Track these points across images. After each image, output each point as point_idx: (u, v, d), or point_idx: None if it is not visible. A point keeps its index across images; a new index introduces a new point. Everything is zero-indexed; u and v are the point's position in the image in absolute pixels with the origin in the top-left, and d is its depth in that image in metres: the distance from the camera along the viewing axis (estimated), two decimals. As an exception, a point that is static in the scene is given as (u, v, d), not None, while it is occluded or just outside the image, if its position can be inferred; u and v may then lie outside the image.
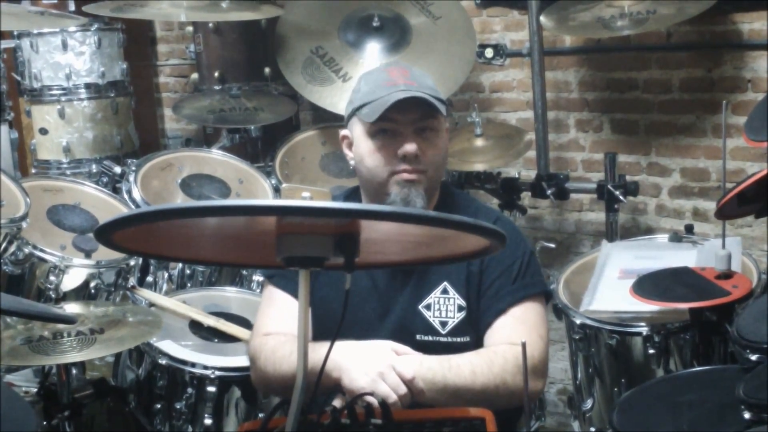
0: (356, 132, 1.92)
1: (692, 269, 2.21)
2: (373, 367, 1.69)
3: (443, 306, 1.88)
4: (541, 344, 1.86)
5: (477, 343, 1.87)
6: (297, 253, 1.26)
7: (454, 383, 1.73)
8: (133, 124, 3.87)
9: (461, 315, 1.88)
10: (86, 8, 3.29)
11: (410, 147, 1.84)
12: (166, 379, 2.35)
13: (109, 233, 1.21)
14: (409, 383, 1.68)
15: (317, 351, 1.57)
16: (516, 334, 1.82)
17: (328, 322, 1.83)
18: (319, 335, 1.84)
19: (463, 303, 1.88)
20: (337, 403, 1.64)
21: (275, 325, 1.91)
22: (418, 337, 1.87)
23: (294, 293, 1.90)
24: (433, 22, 3.35)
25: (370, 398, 1.54)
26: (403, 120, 1.85)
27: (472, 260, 1.85)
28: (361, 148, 1.90)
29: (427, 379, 1.71)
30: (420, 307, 1.89)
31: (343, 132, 1.97)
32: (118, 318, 2.29)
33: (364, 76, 1.94)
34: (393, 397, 1.65)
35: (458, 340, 1.87)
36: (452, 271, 1.89)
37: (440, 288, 1.89)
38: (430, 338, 1.87)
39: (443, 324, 1.88)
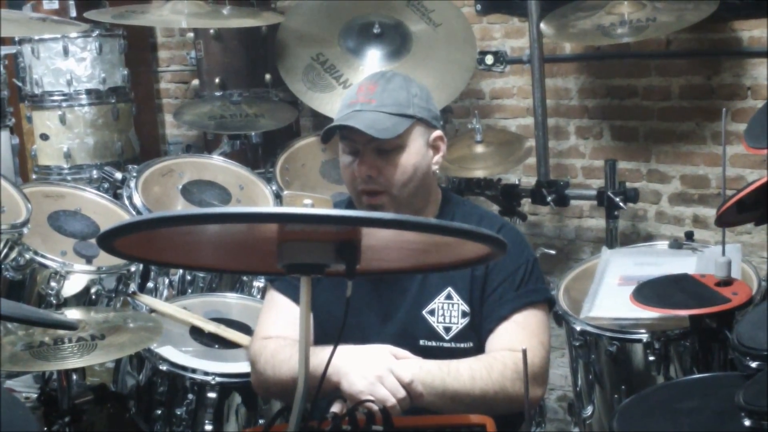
0: None
1: (692, 276, 2.21)
2: (371, 370, 1.68)
3: (447, 311, 1.88)
4: (542, 351, 1.86)
5: (480, 349, 1.87)
6: (298, 260, 1.26)
7: (453, 388, 1.73)
8: (133, 130, 3.87)
9: (465, 321, 1.88)
10: (87, 14, 3.30)
11: (360, 169, 1.85)
12: (167, 385, 2.35)
13: (111, 240, 1.21)
14: (407, 387, 1.68)
15: (317, 356, 1.57)
16: (517, 340, 1.82)
17: (329, 327, 1.83)
18: (319, 340, 1.84)
19: (467, 309, 1.89)
20: (336, 408, 1.64)
21: (276, 329, 1.92)
22: (421, 342, 1.87)
23: (295, 298, 1.90)
24: (434, 29, 3.35)
25: (370, 404, 1.54)
26: (360, 139, 1.84)
27: (473, 267, 1.85)
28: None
29: (426, 382, 1.71)
30: (424, 312, 1.89)
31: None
32: (118, 324, 2.29)
33: (348, 89, 1.95)
34: (391, 401, 1.65)
35: (461, 345, 1.87)
36: (456, 277, 1.89)
37: (444, 293, 1.89)
38: (434, 344, 1.87)
39: (447, 330, 1.88)
